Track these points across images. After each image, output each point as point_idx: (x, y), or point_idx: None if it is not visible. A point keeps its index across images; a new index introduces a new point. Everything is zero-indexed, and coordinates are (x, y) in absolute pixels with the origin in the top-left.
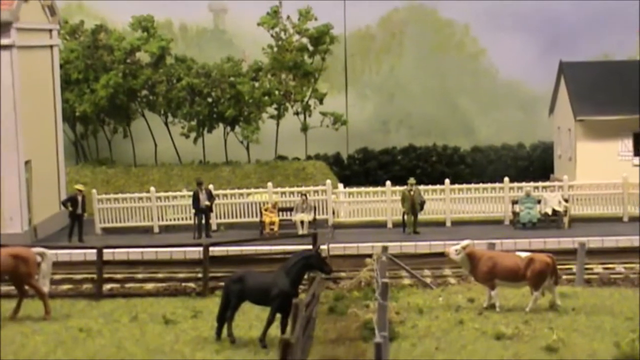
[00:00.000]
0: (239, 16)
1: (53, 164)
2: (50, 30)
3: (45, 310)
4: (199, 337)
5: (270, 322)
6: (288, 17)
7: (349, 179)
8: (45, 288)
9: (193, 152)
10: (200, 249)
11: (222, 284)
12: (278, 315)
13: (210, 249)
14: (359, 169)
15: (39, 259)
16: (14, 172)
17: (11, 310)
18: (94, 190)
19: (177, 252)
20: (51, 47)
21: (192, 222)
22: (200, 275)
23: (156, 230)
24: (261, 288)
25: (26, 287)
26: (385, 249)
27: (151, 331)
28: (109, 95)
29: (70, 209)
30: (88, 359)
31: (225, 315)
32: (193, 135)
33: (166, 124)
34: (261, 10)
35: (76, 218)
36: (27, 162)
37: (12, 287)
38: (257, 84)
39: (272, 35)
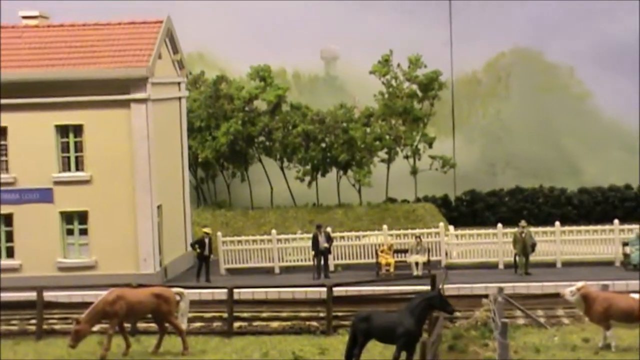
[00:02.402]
0: (349, 63)
1: (180, 207)
2: (179, 83)
3: (183, 346)
4: None
5: (395, 359)
6: (398, 65)
7: (456, 220)
8: (184, 325)
9: (307, 195)
10: (324, 289)
11: (345, 322)
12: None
13: (323, 289)
14: (467, 211)
15: (178, 298)
16: (147, 215)
17: (152, 345)
18: (219, 233)
19: (299, 292)
20: (179, 98)
21: (310, 263)
22: (322, 314)
23: (277, 271)
24: (387, 327)
25: (166, 324)
26: (501, 289)
27: None
28: (229, 142)
29: (198, 250)
30: None
31: (352, 352)
32: (307, 179)
33: (282, 168)
34: (371, 57)
35: (204, 259)
36: (159, 206)
37: (150, 324)
38: (368, 130)
39: (383, 83)
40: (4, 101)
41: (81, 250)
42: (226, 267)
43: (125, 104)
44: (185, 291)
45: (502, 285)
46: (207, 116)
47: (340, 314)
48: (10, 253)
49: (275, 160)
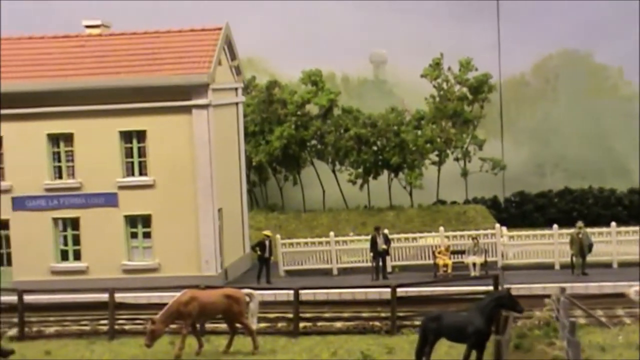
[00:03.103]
0: (398, 67)
1: (238, 210)
2: (236, 89)
3: (253, 345)
4: None
5: (466, 358)
6: (449, 68)
7: (505, 222)
8: (254, 326)
9: (359, 198)
10: (384, 289)
11: (406, 322)
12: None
13: (383, 290)
14: (516, 212)
15: (247, 299)
16: (209, 219)
17: (222, 345)
18: (277, 236)
19: (359, 293)
20: (236, 104)
21: (366, 264)
22: (383, 314)
23: (335, 272)
24: (457, 326)
25: (237, 325)
26: (563, 289)
27: None
28: (283, 146)
29: (259, 253)
30: None
31: (422, 351)
32: (359, 181)
33: (334, 171)
34: (419, 60)
35: (264, 261)
36: (219, 210)
37: (215, 324)
38: (419, 132)
39: (434, 86)
40: (70, 108)
41: (145, 253)
42: (285, 268)
43: (187, 109)
44: (255, 292)
45: (560, 285)
46: (260, 120)
47: (400, 314)
48: (77, 256)
49: (327, 163)
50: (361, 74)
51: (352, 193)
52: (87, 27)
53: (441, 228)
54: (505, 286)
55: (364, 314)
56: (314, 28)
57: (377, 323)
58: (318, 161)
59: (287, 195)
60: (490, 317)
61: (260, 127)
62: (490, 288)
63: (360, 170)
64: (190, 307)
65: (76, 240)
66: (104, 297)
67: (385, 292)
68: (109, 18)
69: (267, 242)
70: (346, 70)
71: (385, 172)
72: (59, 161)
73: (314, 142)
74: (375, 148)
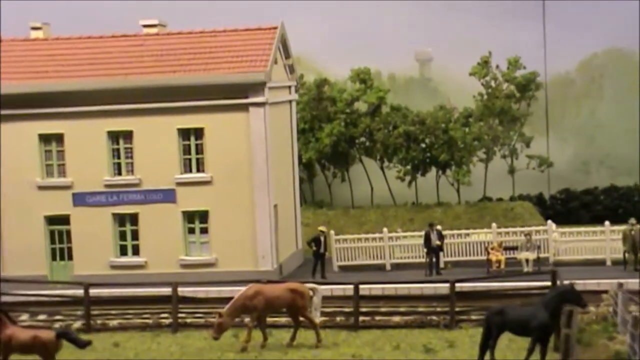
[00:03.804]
0: (443, 65)
1: (291, 206)
2: (290, 87)
3: (317, 339)
4: None
5: (530, 351)
6: (497, 67)
7: (551, 218)
8: (317, 319)
9: (406, 194)
10: (439, 284)
11: (464, 317)
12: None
13: (438, 285)
14: (561, 209)
15: (311, 293)
16: (266, 214)
17: (285, 339)
18: (332, 232)
19: (415, 288)
20: (290, 101)
21: (418, 260)
22: (438, 309)
23: (388, 267)
24: (521, 320)
25: (301, 318)
26: (621, 285)
27: (416, 358)
28: (332, 143)
29: (314, 248)
30: None
31: (486, 345)
32: (408, 178)
33: (382, 168)
34: (465, 59)
35: (319, 257)
36: (274, 206)
37: (275, 318)
38: (467, 130)
39: (482, 84)
40: (129, 106)
41: (202, 248)
42: (339, 264)
43: (244, 107)
44: (318, 286)
45: (614, 281)
46: (310, 118)
47: (457, 309)
48: (135, 251)
49: (376, 160)
50: (407, 72)
51: (400, 190)
52: (145, 26)
53: (493, 224)
54: (569, 281)
55: (420, 309)
56: (360, 27)
57: (434, 317)
58: (366, 158)
59: (335, 192)
60: (555, 312)
61: (310, 125)
62: (545, 284)
63: (409, 167)
64: (255, 301)
65: (135, 236)
66: (163, 291)
67: (441, 287)
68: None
69: (322, 238)
70: (392, 68)
71: (433, 169)
72: (119, 158)
73: (362, 139)
74: (423, 145)
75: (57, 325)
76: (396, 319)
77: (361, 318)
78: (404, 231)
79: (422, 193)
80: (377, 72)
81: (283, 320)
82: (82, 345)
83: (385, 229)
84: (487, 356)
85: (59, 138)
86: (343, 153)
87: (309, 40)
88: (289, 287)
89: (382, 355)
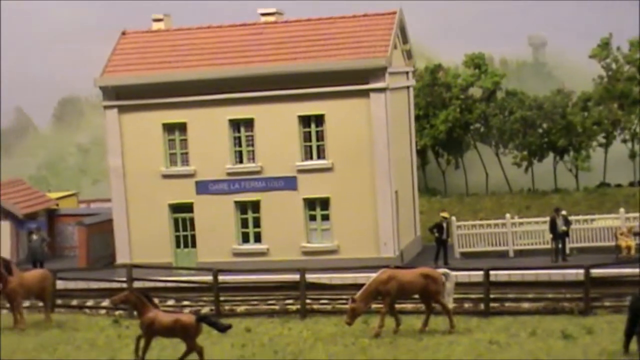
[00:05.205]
0: (558, 49)
1: (410, 193)
2: (407, 72)
3: (450, 324)
4: (605, 351)
5: None
6: (618, 48)
7: None
8: (450, 305)
9: (522, 181)
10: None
11: (597, 303)
12: None
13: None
14: None
15: (444, 278)
16: (387, 201)
17: (416, 325)
18: (453, 218)
19: (543, 274)
20: (407, 87)
21: (541, 246)
22: (567, 295)
23: (511, 254)
24: None
25: (433, 304)
26: None
27: (555, 345)
28: (447, 129)
29: (436, 234)
30: None
31: (632, 331)
32: (524, 164)
33: (497, 154)
34: (582, 43)
35: (442, 243)
36: (395, 192)
37: (402, 305)
38: (586, 114)
39: (602, 66)
40: (250, 94)
41: (323, 235)
42: (461, 250)
43: (365, 93)
44: (451, 272)
45: None
46: (425, 105)
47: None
48: (257, 238)
49: (491, 146)
50: (520, 56)
51: (516, 176)
52: (263, 14)
53: (621, 209)
54: None
55: (549, 295)
56: (471, 12)
57: (566, 304)
58: (481, 144)
59: (448, 179)
60: None
61: (424, 111)
62: None
63: (526, 152)
64: (389, 286)
65: (257, 223)
66: (287, 278)
67: (569, 274)
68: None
69: (444, 224)
70: (504, 53)
71: (550, 154)
72: (240, 146)
73: (477, 125)
74: (540, 130)
75: (186, 310)
76: (525, 305)
77: (490, 304)
78: (519, 218)
79: (538, 179)
80: (489, 56)
81: (409, 307)
82: (223, 329)
83: (507, 215)
84: (633, 344)
85: (182, 127)
86: (458, 139)
87: (420, 27)
88: (421, 272)
89: (518, 341)
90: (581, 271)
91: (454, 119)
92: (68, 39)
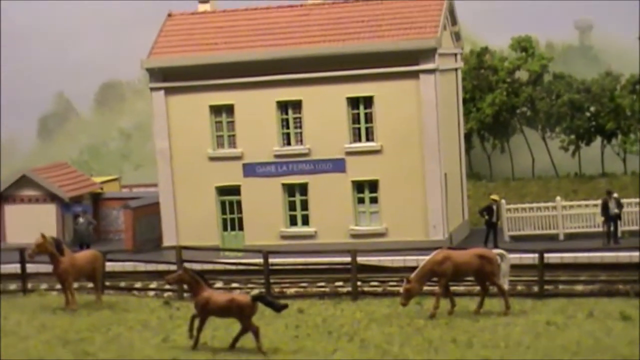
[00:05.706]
0: (605, 32)
1: (458, 176)
2: (455, 54)
3: (505, 305)
4: None
5: None
6: None
7: None
8: (506, 286)
9: (568, 165)
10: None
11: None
12: None
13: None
14: None
15: (499, 259)
16: (437, 183)
17: (469, 306)
18: (503, 201)
19: (595, 257)
20: (456, 69)
21: (592, 229)
22: (619, 277)
23: (561, 237)
24: None
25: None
26: None
27: (614, 326)
28: (494, 113)
29: (486, 217)
30: (569, 347)
31: None
32: (572, 148)
33: (544, 138)
34: (629, 26)
35: (491, 226)
36: (444, 175)
37: (454, 287)
38: (635, 97)
39: None
40: (298, 76)
41: (372, 218)
42: (510, 234)
43: (414, 75)
44: (507, 253)
45: None
46: (471, 88)
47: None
48: (305, 221)
49: (537, 130)
50: (566, 40)
51: (562, 160)
52: None
53: None
54: None
55: (602, 278)
56: None
57: (620, 286)
58: (527, 128)
59: (493, 164)
60: None
61: (471, 95)
62: None
63: (573, 136)
64: (444, 267)
65: (304, 206)
66: (333, 260)
67: (622, 256)
68: None
69: (494, 207)
70: (550, 36)
71: (598, 138)
72: (288, 128)
73: (524, 108)
74: (588, 114)
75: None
76: (579, 287)
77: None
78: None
79: (585, 163)
80: (535, 40)
81: (461, 288)
82: (279, 308)
83: (558, 198)
84: None
85: (229, 109)
86: (504, 123)
87: (465, 10)
88: (477, 253)
89: (576, 322)
90: (635, 253)
91: (501, 102)
92: (108, 24)
